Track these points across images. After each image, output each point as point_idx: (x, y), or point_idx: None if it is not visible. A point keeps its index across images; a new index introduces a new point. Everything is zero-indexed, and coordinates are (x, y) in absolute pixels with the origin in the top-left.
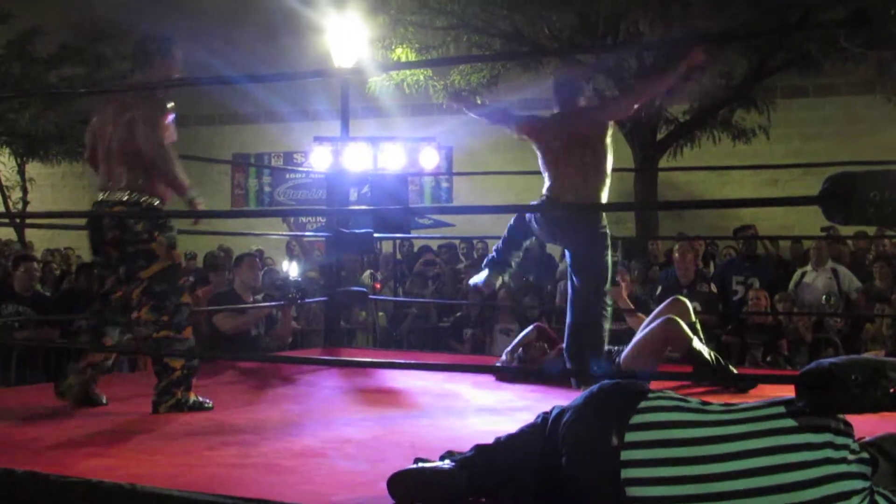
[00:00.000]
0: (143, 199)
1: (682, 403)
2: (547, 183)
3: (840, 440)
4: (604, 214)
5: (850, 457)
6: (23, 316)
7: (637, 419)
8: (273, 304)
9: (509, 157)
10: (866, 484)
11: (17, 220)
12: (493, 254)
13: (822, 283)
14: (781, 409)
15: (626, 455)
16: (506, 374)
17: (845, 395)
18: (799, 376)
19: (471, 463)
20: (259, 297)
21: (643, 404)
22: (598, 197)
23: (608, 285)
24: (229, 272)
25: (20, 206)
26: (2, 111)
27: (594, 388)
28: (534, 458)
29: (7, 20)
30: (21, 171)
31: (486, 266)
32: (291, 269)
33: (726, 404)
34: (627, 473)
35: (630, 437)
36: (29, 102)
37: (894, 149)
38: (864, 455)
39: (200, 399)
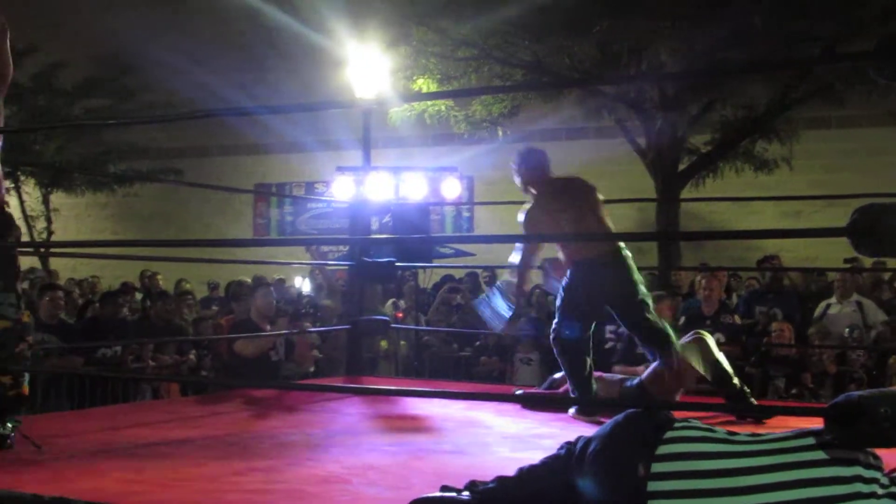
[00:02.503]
0: None
1: (708, 434)
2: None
3: (870, 474)
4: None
5: (880, 491)
6: (48, 344)
7: (664, 450)
8: (287, 332)
9: None
10: None
11: (42, 250)
12: (507, 304)
13: (847, 315)
14: (811, 441)
15: (652, 486)
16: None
17: (874, 429)
18: (827, 409)
19: (491, 494)
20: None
21: (669, 434)
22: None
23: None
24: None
25: (45, 235)
26: (27, 142)
27: (619, 417)
28: (556, 490)
29: (33, 53)
30: (45, 202)
31: (503, 317)
32: (304, 286)
33: (754, 434)
34: None
35: (657, 467)
36: (53, 134)
37: None
38: (894, 489)
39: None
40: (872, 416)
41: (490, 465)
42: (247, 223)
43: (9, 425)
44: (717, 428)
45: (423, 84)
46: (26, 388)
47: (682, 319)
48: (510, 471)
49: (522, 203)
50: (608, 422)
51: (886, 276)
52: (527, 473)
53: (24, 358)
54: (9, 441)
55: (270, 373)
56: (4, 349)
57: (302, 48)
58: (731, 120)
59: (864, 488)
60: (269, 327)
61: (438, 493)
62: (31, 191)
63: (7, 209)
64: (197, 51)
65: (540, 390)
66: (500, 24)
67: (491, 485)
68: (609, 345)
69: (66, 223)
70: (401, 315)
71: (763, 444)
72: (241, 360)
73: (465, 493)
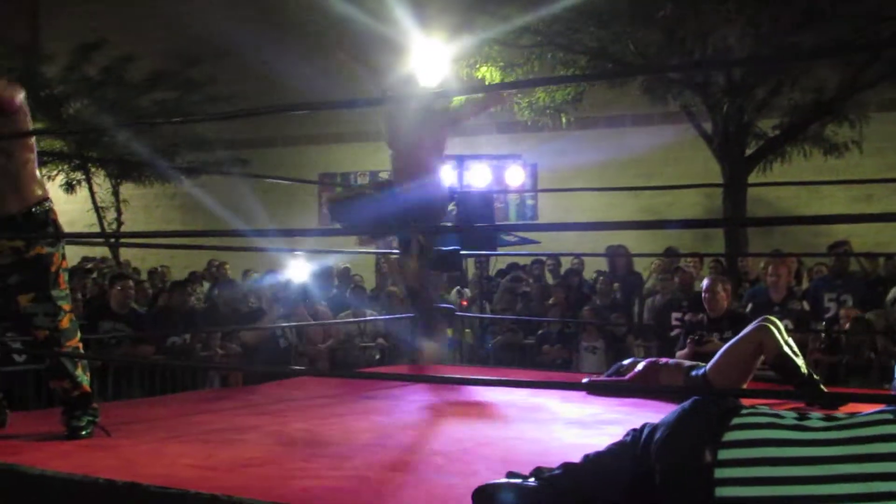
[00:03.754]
0: None
1: (776, 420)
2: None
3: None
4: None
5: None
6: (119, 333)
7: (731, 436)
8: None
9: (591, 175)
10: None
11: (112, 240)
12: None
13: None
14: (892, 430)
15: (720, 473)
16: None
17: None
18: None
19: (557, 481)
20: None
21: (736, 421)
22: None
23: None
24: None
25: (115, 226)
26: (98, 136)
27: (686, 404)
28: (622, 476)
29: (103, 47)
30: (115, 193)
31: None
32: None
33: (827, 417)
34: (722, 492)
35: (724, 454)
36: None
37: None
38: None
39: None
40: None
41: (556, 451)
42: (312, 213)
43: (85, 419)
44: (787, 413)
45: (486, 72)
46: (87, 386)
47: (750, 306)
48: (576, 457)
49: (586, 190)
50: (675, 409)
51: None
52: (593, 460)
53: (73, 356)
54: (83, 433)
55: (279, 357)
56: (45, 358)
57: (367, 38)
58: (800, 103)
59: None
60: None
61: (504, 480)
62: (101, 182)
63: (41, 208)
64: (263, 42)
65: (606, 377)
66: (563, 11)
67: (557, 471)
68: (675, 332)
69: (136, 214)
70: (465, 303)
71: (837, 430)
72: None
73: (532, 480)
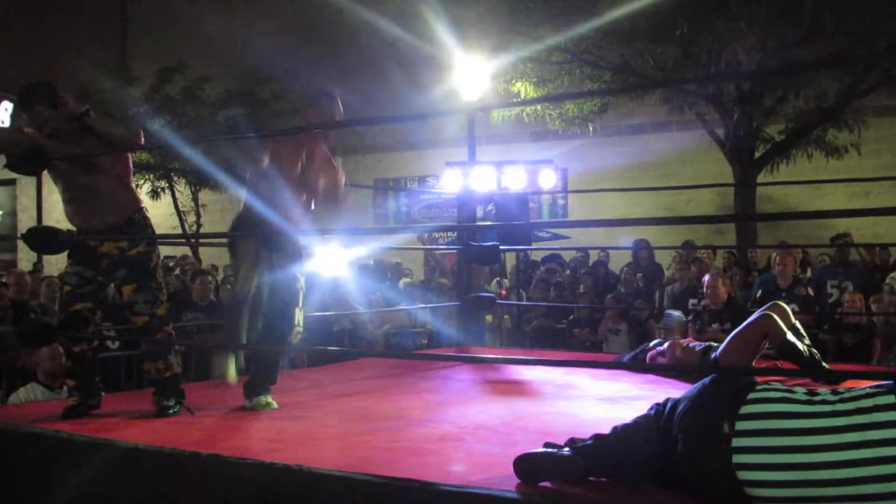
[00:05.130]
0: None
1: (788, 395)
2: None
3: None
4: None
5: None
6: (200, 321)
7: (747, 409)
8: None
9: (616, 177)
10: None
11: (193, 241)
12: None
13: None
14: (890, 400)
15: (737, 442)
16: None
17: None
18: None
19: (589, 450)
20: None
21: (752, 395)
22: None
23: None
24: None
25: (195, 228)
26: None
27: (706, 380)
28: (648, 445)
29: (183, 70)
30: (195, 199)
31: None
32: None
33: (834, 392)
34: (739, 459)
35: (741, 425)
36: (200, 141)
37: None
38: None
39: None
40: None
41: (587, 423)
42: (368, 214)
43: (172, 400)
44: (798, 388)
45: (521, 87)
46: (177, 368)
47: (759, 292)
48: (606, 429)
49: (611, 191)
50: (697, 384)
51: None
52: (621, 431)
53: (169, 344)
54: (171, 412)
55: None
56: (141, 343)
57: (416, 58)
58: (804, 110)
59: None
60: None
61: (542, 450)
62: (182, 189)
63: (140, 215)
64: (323, 62)
65: (627, 357)
66: (590, 31)
67: (589, 441)
68: (689, 316)
69: (213, 217)
70: (504, 292)
71: (842, 403)
72: None
73: (566, 449)
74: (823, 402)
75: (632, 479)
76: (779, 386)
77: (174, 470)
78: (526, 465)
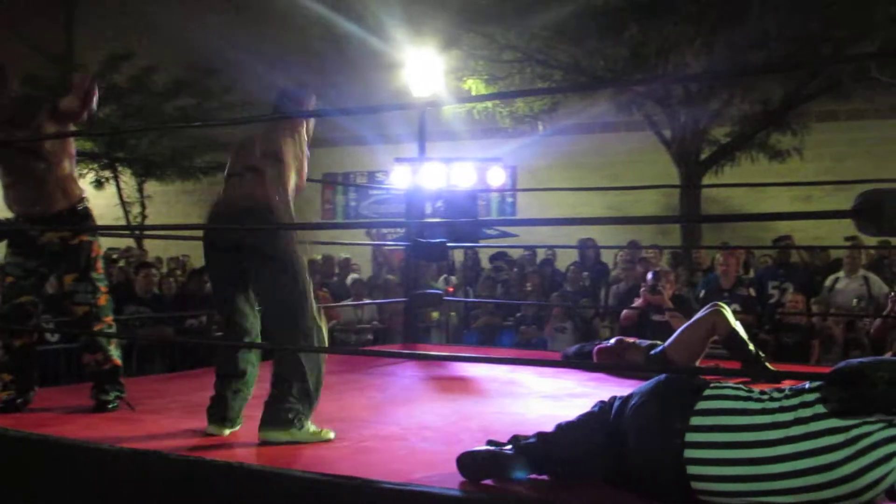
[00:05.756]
0: None
1: (740, 393)
2: None
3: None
4: None
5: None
6: (142, 314)
7: (702, 405)
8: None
9: (566, 175)
10: None
11: (137, 233)
12: None
13: (854, 288)
14: (816, 396)
15: (689, 437)
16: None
17: (873, 392)
18: (831, 373)
19: (532, 449)
20: None
21: (707, 392)
22: None
23: None
24: None
25: (139, 219)
26: (124, 138)
27: (661, 377)
28: (591, 443)
29: (130, 58)
30: (140, 190)
31: None
32: None
33: (778, 390)
34: (690, 454)
35: (695, 420)
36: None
37: None
38: None
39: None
40: (872, 380)
41: (531, 421)
42: (316, 209)
43: (112, 394)
44: (751, 388)
45: (472, 84)
46: (117, 360)
47: (703, 292)
48: (549, 427)
49: (559, 190)
50: (650, 381)
51: (885, 252)
52: (564, 428)
53: (108, 336)
54: (109, 406)
55: None
56: (81, 334)
57: (366, 53)
58: (749, 114)
59: (871, 428)
60: None
61: (485, 447)
62: (127, 180)
63: (82, 205)
64: (273, 56)
65: (573, 350)
66: (541, 30)
67: (532, 439)
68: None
69: (158, 208)
70: (451, 289)
71: (787, 399)
72: None
73: (509, 447)
74: (772, 399)
75: (574, 477)
76: (732, 385)
77: (114, 468)
78: (469, 464)
